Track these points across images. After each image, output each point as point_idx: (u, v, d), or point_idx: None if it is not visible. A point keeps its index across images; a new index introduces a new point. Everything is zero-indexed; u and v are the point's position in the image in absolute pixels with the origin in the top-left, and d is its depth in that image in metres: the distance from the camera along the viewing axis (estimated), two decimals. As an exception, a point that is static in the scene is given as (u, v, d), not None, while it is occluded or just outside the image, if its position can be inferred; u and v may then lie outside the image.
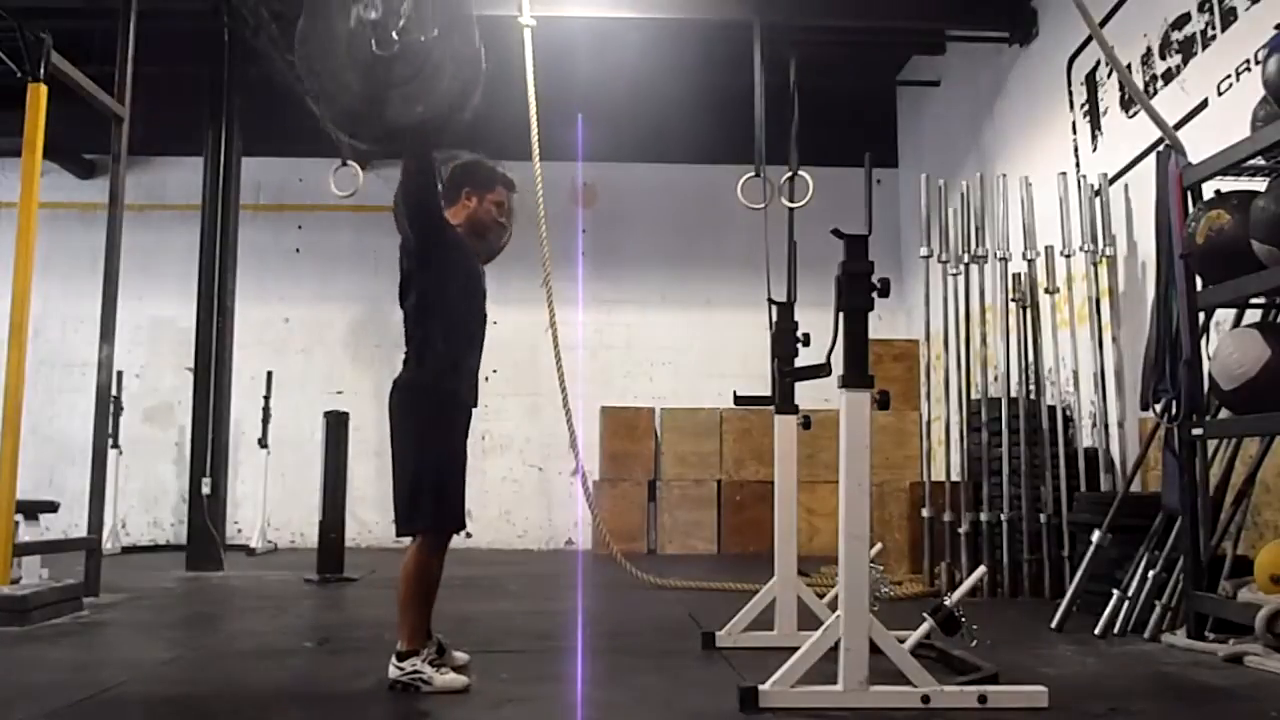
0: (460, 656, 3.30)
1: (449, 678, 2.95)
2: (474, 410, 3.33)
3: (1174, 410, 4.07)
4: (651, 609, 5.07)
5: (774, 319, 3.97)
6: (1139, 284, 5.43)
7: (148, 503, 9.06)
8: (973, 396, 5.87)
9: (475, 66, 3.03)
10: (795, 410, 3.91)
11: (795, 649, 2.88)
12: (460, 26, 3.02)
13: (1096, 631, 4.09)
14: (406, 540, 3.24)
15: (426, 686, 2.91)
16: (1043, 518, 5.37)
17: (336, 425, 6.25)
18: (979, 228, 5.88)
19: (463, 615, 3.23)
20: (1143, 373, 4.40)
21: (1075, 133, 6.26)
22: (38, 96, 4.64)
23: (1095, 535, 4.38)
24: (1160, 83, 5.30)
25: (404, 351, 3.30)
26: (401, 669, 2.96)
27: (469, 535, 8.24)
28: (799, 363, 3.83)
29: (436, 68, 2.97)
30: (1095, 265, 5.61)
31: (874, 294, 2.88)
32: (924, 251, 5.94)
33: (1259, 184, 3.91)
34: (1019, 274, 5.90)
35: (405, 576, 3.07)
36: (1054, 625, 4.27)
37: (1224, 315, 4.34)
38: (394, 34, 2.90)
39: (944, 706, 2.76)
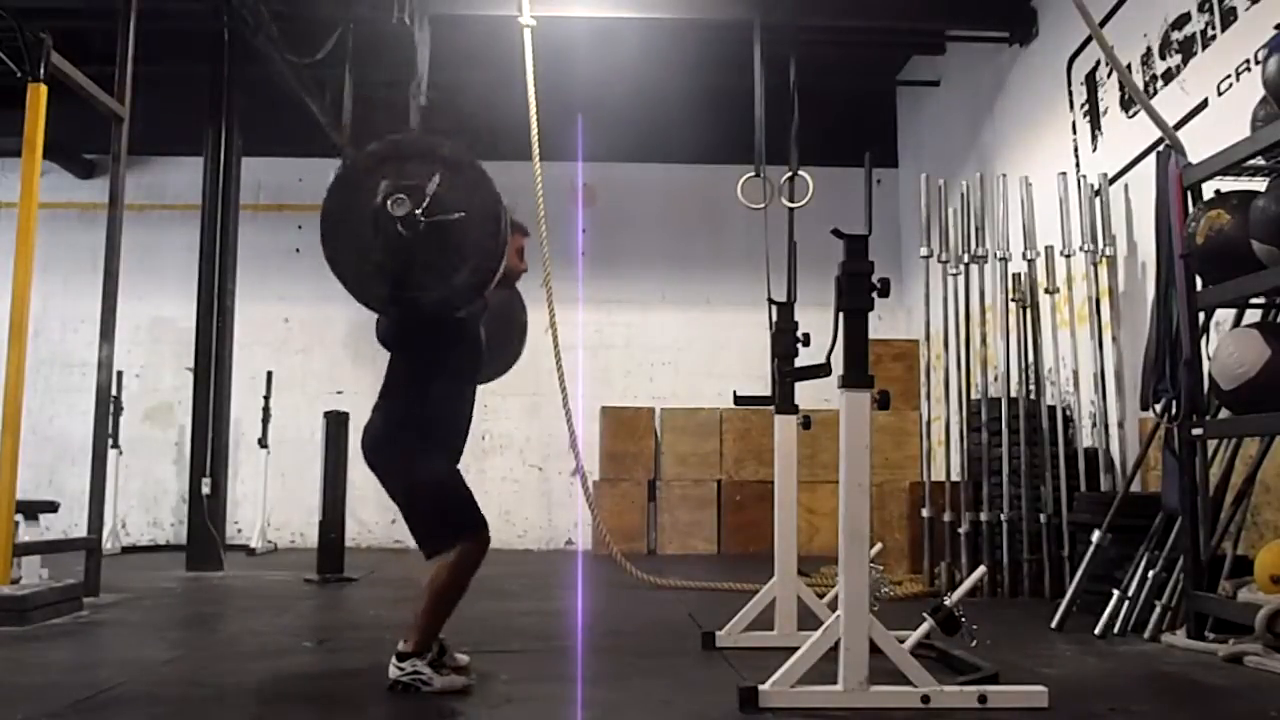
0: (461, 657, 3.31)
1: (450, 679, 2.95)
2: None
3: (1174, 410, 4.07)
4: (651, 609, 5.07)
5: (774, 319, 3.97)
6: (1139, 284, 5.43)
7: (148, 503, 9.06)
8: (973, 396, 5.87)
9: (495, 258, 3.06)
10: (795, 410, 3.91)
11: (795, 649, 2.88)
12: (484, 205, 3.04)
13: (1096, 631, 4.09)
14: (405, 541, 3.23)
15: (427, 687, 2.92)
16: (1043, 518, 5.37)
17: (336, 425, 6.25)
18: (979, 228, 5.88)
19: (463, 615, 3.23)
20: (1143, 373, 4.41)
21: (1075, 133, 6.26)
22: (38, 96, 4.64)
23: (1095, 535, 4.38)
24: (1160, 83, 5.30)
25: (397, 380, 3.25)
26: (402, 669, 2.96)
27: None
28: (799, 363, 3.83)
29: (459, 252, 2.99)
30: (1095, 265, 5.61)
31: (874, 294, 2.88)
32: (924, 251, 5.94)
33: (1259, 184, 3.91)
34: (1019, 274, 5.90)
35: (433, 588, 3.04)
36: (1054, 625, 4.28)
37: (1224, 315, 4.34)
38: (420, 217, 2.92)
39: (944, 706, 2.75)
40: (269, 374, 8.69)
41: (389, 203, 2.92)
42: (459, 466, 3.26)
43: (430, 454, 3.15)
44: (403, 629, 3.15)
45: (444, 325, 3.18)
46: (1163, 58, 5.29)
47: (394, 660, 3.00)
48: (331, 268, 3.03)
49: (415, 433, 3.16)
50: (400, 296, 3.02)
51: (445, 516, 3.11)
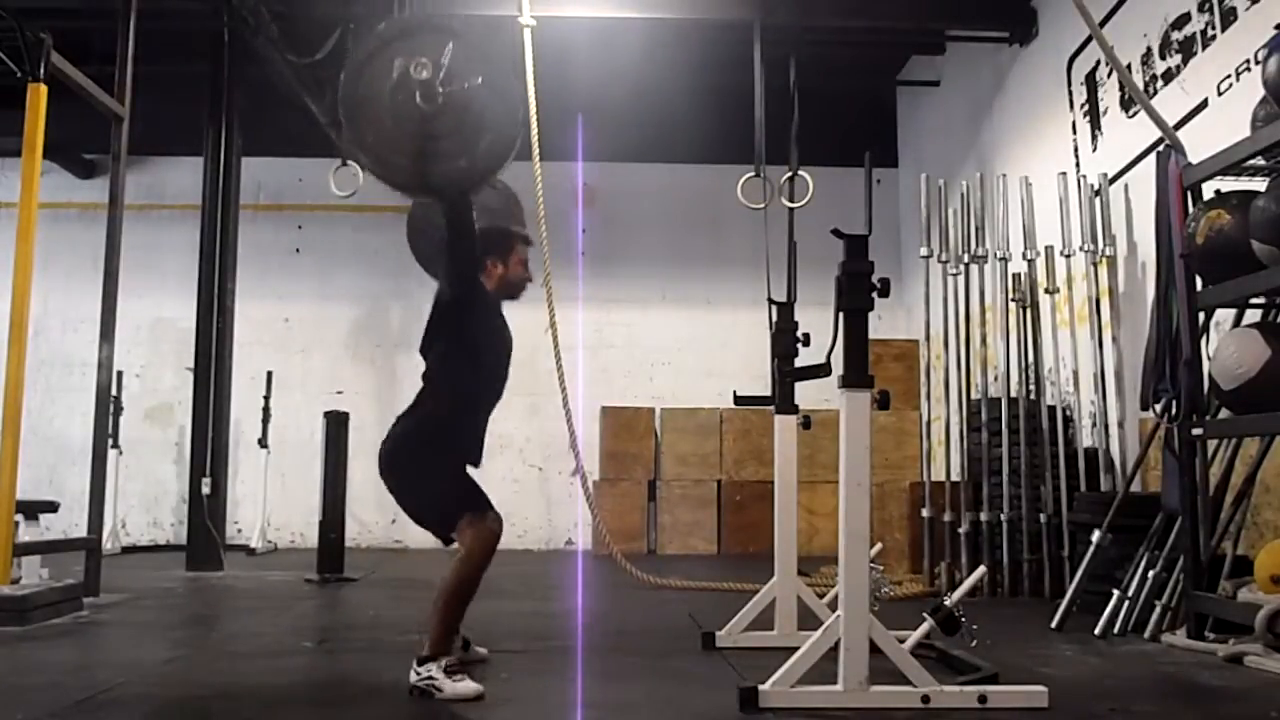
0: (480, 650, 3.46)
1: (461, 686, 2.95)
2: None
3: (1174, 410, 4.07)
4: (651, 609, 5.07)
5: (774, 319, 3.97)
6: (1139, 284, 5.43)
7: (148, 503, 9.05)
8: (973, 396, 5.87)
9: (514, 119, 3.05)
10: (795, 410, 3.91)
11: (795, 649, 2.88)
12: (500, 72, 3.03)
13: (1096, 631, 4.09)
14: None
15: (439, 694, 2.92)
16: (1043, 518, 5.37)
17: (336, 425, 6.25)
18: (979, 228, 5.88)
19: (465, 615, 3.24)
20: (1143, 373, 4.40)
21: (1075, 133, 6.26)
22: (38, 96, 4.64)
23: (1095, 535, 4.38)
24: (1160, 83, 5.30)
25: (415, 400, 3.32)
26: (419, 674, 2.97)
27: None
28: (799, 363, 3.83)
29: (479, 119, 2.98)
30: (1095, 265, 5.61)
31: (874, 294, 2.88)
32: (924, 251, 5.94)
33: (1259, 184, 3.91)
34: (1019, 274, 5.90)
35: (444, 588, 3.07)
36: (1054, 625, 4.28)
37: (1224, 315, 4.34)
38: (439, 87, 2.89)
39: (944, 706, 2.75)
40: (269, 374, 8.69)
41: (412, 67, 2.87)
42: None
43: (440, 462, 3.20)
44: (403, 629, 3.15)
45: (477, 299, 3.23)
46: (1163, 58, 5.29)
47: (414, 664, 3.00)
48: (355, 154, 3.04)
49: (429, 448, 3.20)
50: (426, 171, 2.99)
51: (452, 500, 3.16)
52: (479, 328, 3.30)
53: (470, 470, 3.32)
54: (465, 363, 3.27)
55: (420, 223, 3.90)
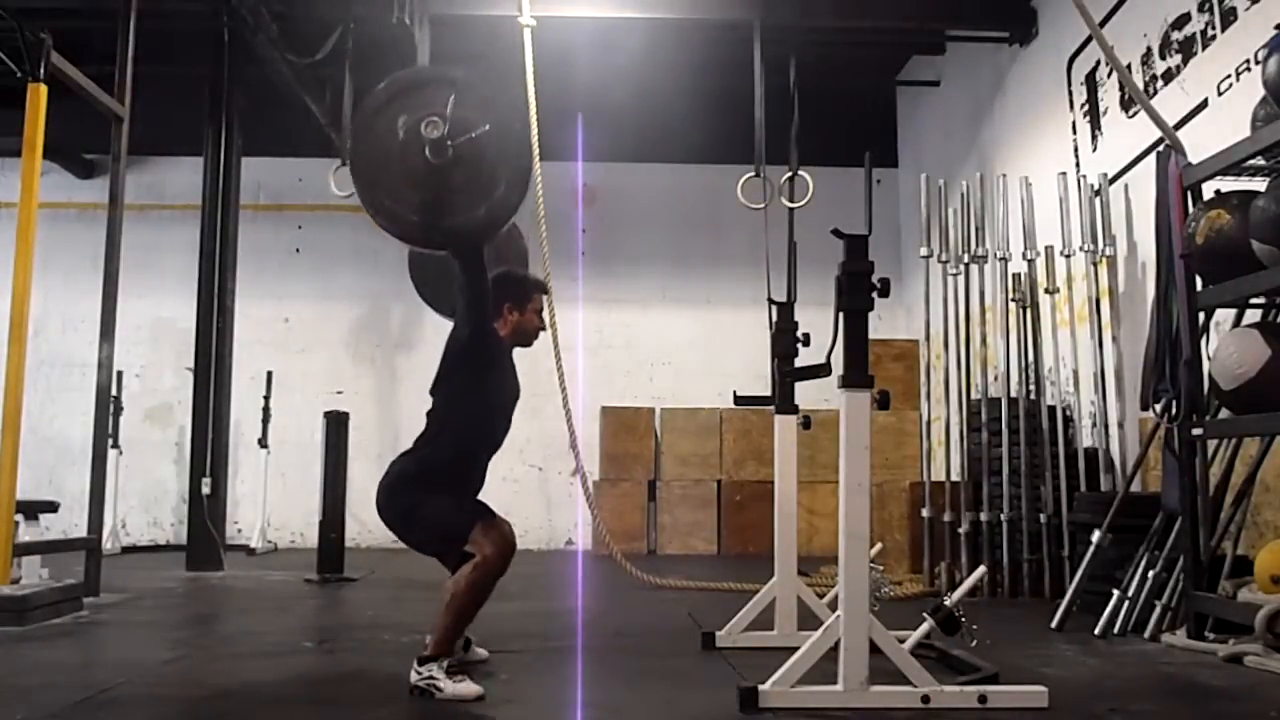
0: (480, 651, 3.47)
1: (461, 686, 2.95)
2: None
3: (1174, 410, 4.07)
4: (651, 609, 5.07)
5: (774, 319, 3.97)
6: (1139, 284, 5.43)
7: (148, 503, 9.05)
8: (973, 396, 5.87)
9: (525, 160, 3.06)
10: (795, 410, 3.91)
11: (795, 649, 2.88)
12: (506, 115, 3.03)
13: (1096, 631, 4.09)
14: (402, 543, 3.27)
15: (439, 694, 2.92)
16: (1043, 518, 5.37)
17: (336, 425, 6.25)
18: (979, 228, 5.88)
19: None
20: (1143, 373, 4.40)
21: (1075, 133, 6.26)
22: (38, 96, 4.64)
23: (1095, 535, 4.38)
24: (1160, 83, 5.30)
25: (417, 436, 3.35)
26: (419, 673, 2.97)
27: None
28: (799, 363, 3.83)
29: (492, 167, 2.98)
30: (1095, 265, 5.61)
31: (874, 294, 2.88)
32: (924, 251, 5.94)
33: (1259, 184, 3.91)
34: (1019, 274, 5.90)
35: (453, 594, 3.05)
36: (1054, 625, 4.27)
37: (1224, 315, 4.34)
38: (447, 141, 2.89)
39: (944, 706, 2.75)
40: (269, 374, 8.69)
41: (424, 125, 2.87)
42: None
43: (440, 493, 3.21)
44: (403, 629, 3.15)
45: (490, 346, 3.25)
46: (1163, 58, 5.29)
47: (415, 664, 3.00)
48: (373, 216, 3.01)
49: (428, 486, 3.21)
50: (443, 225, 2.99)
51: (460, 517, 3.15)
52: (489, 376, 3.31)
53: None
54: (471, 410, 3.28)
55: (422, 260, 3.91)
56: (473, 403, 3.27)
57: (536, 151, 5.43)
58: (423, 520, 3.20)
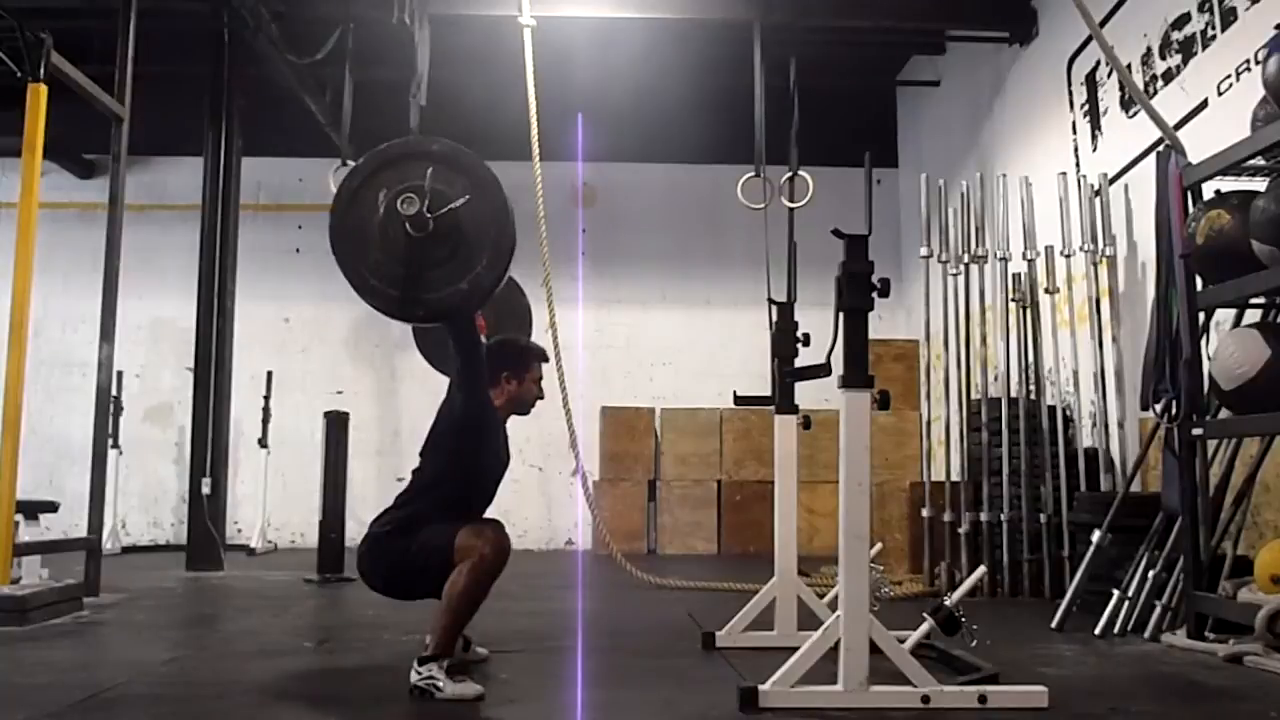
0: (481, 650, 3.48)
1: (461, 686, 2.95)
2: None
3: (1174, 410, 4.07)
4: (651, 609, 5.07)
5: (774, 319, 3.97)
6: (1139, 284, 5.43)
7: (148, 503, 9.06)
8: (973, 396, 5.87)
9: (506, 230, 3.04)
10: (795, 410, 3.91)
11: (795, 649, 2.88)
12: (485, 187, 3.03)
13: (1096, 631, 4.09)
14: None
15: (439, 694, 2.92)
16: (1043, 518, 5.37)
17: (336, 425, 6.25)
18: (979, 228, 5.88)
19: (463, 615, 3.27)
20: (1143, 373, 4.40)
21: (1075, 133, 6.26)
22: (38, 96, 4.64)
23: (1095, 535, 4.38)
24: (1160, 83, 5.30)
25: (396, 499, 3.34)
26: (420, 673, 2.97)
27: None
28: (799, 363, 3.83)
29: (474, 238, 2.99)
30: (1095, 265, 5.61)
31: (874, 294, 2.88)
32: (924, 251, 5.95)
33: (1259, 184, 3.91)
34: (1019, 274, 5.90)
35: (451, 593, 3.03)
36: (1054, 625, 4.28)
37: (1224, 315, 4.34)
38: (426, 214, 2.90)
39: (944, 706, 2.75)
40: (269, 374, 8.69)
41: (400, 202, 2.89)
42: None
43: (419, 533, 3.17)
44: (403, 629, 3.15)
45: (485, 418, 3.26)
46: (1163, 58, 5.29)
47: (415, 663, 3.00)
48: (357, 291, 3.05)
49: (407, 532, 3.19)
50: (425, 299, 3.00)
51: (442, 537, 3.12)
52: (480, 447, 3.30)
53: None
54: (456, 479, 3.26)
55: (428, 329, 3.93)
56: (459, 471, 3.26)
57: (537, 151, 5.44)
58: (412, 560, 3.14)
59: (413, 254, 2.97)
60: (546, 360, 3.55)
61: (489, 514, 3.34)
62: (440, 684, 2.93)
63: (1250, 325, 3.95)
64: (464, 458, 3.27)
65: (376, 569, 3.24)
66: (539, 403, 3.56)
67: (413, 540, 3.16)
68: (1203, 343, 4.13)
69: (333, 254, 3.06)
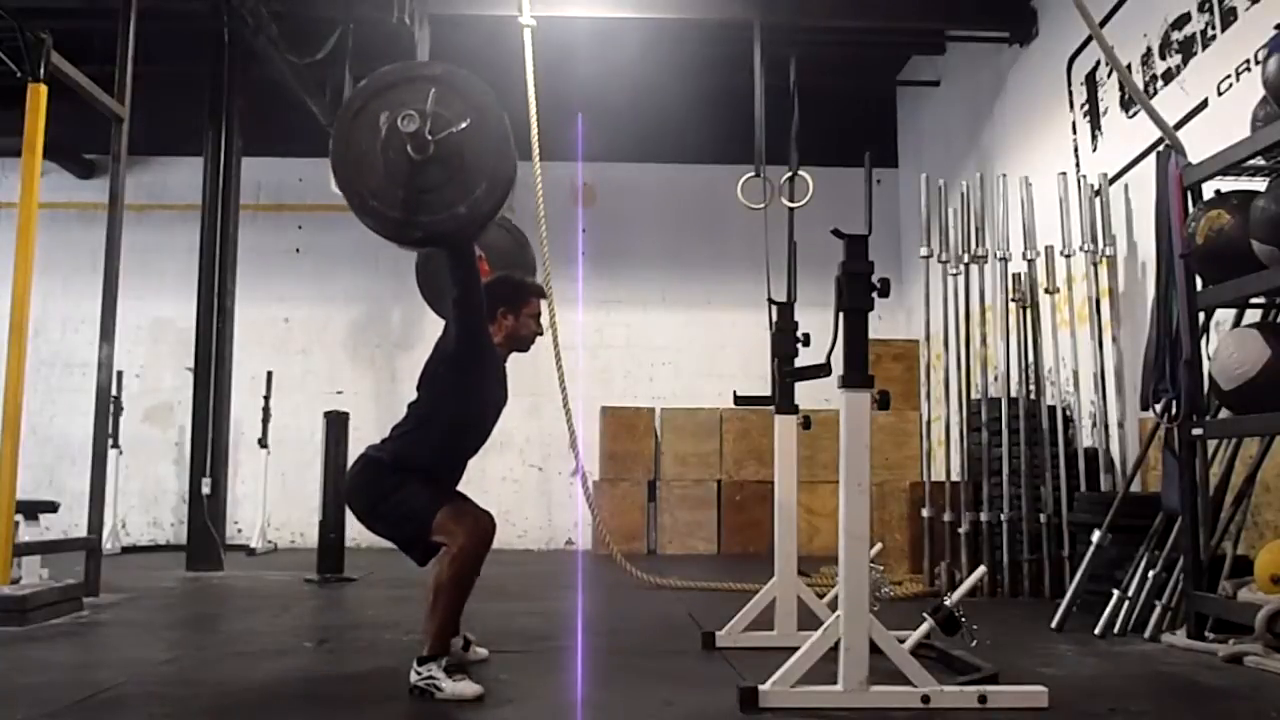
0: (480, 650, 3.46)
1: (461, 686, 2.95)
2: None
3: (1174, 410, 4.07)
4: (651, 609, 5.07)
5: (774, 319, 3.97)
6: (1139, 284, 5.43)
7: (148, 503, 9.05)
8: (973, 396, 5.87)
9: (507, 159, 3.03)
10: (795, 410, 3.91)
11: (795, 649, 2.88)
12: (486, 113, 3.02)
13: (1096, 631, 4.09)
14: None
15: (439, 693, 2.92)
16: (1043, 518, 5.37)
17: (336, 425, 6.25)
18: (979, 228, 5.88)
19: (464, 615, 3.25)
20: (1143, 373, 4.40)
21: (1075, 133, 6.26)
22: (38, 96, 4.64)
23: (1095, 535, 4.38)
24: (1160, 83, 5.30)
25: (394, 425, 3.32)
26: (419, 674, 2.97)
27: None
28: (799, 363, 3.83)
29: (473, 164, 2.97)
30: (1095, 265, 5.61)
31: (874, 294, 2.88)
32: (924, 251, 5.95)
33: (1259, 184, 3.91)
34: (1019, 274, 5.90)
35: (435, 584, 3.05)
36: (1054, 625, 4.27)
37: (1224, 315, 4.34)
38: (428, 135, 2.88)
39: (944, 706, 2.76)
40: (269, 374, 8.68)
41: (400, 120, 2.86)
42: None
43: (408, 484, 3.17)
44: (403, 629, 3.15)
45: (482, 351, 3.22)
46: (1163, 58, 5.29)
47: (414, 664, 3.00)
48: (357, 213, 3.01)
49: (397, 472, 3.18)
50: (423, 221, 2.98)
51: (426, 500, 3.12)
52: (476, 381, 3.26)
53: (470, 469, 3.33)
54: (453, 412, 3.24)
55: (429, 263, 3.91)
56: (455, 406, 3.24)
57: (537, 151, 5.45)
58: (392, 508, 3.15)
59: (412, 176, 2.95)
60: (544, 296, 3.52)
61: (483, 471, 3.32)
62: (440, 684, 2.94)
63: (1250, 325, 3.95)
64: (460, 392, 3.23)
65: (359, 496, 3.23)
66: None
67: (399, 487, 3.15)
68: (1203, 343, 4.13)
69: (333, 175, 3.04)
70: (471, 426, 3.33)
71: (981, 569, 3.71)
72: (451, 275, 3.10)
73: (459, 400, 3.24)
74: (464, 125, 2.94)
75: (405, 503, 3.14)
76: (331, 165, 3.03)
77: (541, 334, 3.50)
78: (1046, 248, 5.82)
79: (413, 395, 3.34)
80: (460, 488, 3.36)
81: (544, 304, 3.54)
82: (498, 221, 3.52)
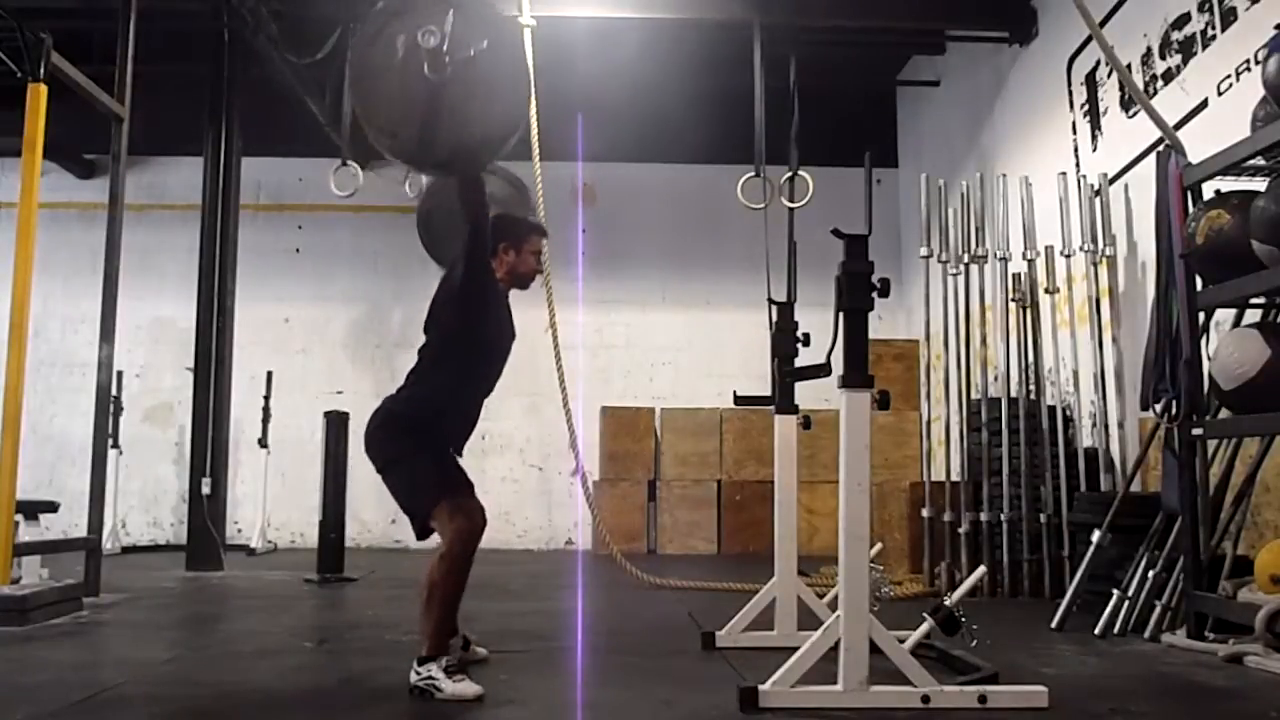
0: (480, 650, 3.46)
1: (461, 686, 2.95)
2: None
3: (1174, 410, 4.07)
4: (651, 609, 5.07)
5: (774, 319, 3.97)
6: (1139, 284, 5.43)
7: (148, 503, 9.05)
8: (973, 396, 5.87)
9: (522, 84, 3.06)
10: (795, 410, 3.91)
11: (795, 649, 2.88)
12: (505, 38, 3.04)
13: (1096, 631, 4.09)
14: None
15: (439, 694, 2.92)
16: (1043, 518, 5.37)
17: (336, 425, 6.25)
18: (979, 228, 5.88)
19: (464, 615, 3.25)
20: (1143, 373, 4.40)
21: (1075, 133, 6.26)
22: (38, 96, 4.64)
23: (1095, 535, 4.38)
24: (1160, 83, 5.30)
25: (409, 371, 3.35)
26: (419, 674, 2.98)
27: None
28: (799, 363, 3.83)
29: (488, 87, 2.98)
30: (1095, 265, 5.61)
31: (874, 294, 2.88)
32: (924, 251, 5.94)
33: (1259, 184, 3.91)
34: (1019, 274, 5.90)
35: (429, 583, 3.07)
36: (1054, 625, 4.28)
37: (1224, 315, 4.34)
38: (446, 56, 2.89)
39: (944, 706, 2.76)
40: (269, 374, 8.68)
41: (420, 35, 2.86)
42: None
43: (422, 445, 3.20)
44: (403, 629, 3.15)
45: (486, 284, 3.22)
46: (1163, 58, 5.29)
47: (414, 664, 3.00)
48: (368, 132, 3.02)
49: (413, 432, 3.20)
50: (438, 141, 2.99)
51: (431, 484, 3.15)
52: (483, 315, 3.27)
53: (469, 470, 3.33)
54: (465, 349, 3.25)
55: (431, 212, 3.92)
56: (466, 339, 3.25)
57: (537, 151, 5.45)
58: (400, 475, 3.20)
59: (428, 98, 2.95)
60: (545, 236, 3.53)
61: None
62: (440, 684, 2.94)
63: (1250, 325, 3.96)
64: (469, 325, 3.24)
65: (373, 450, 3.25)
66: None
67: (412, 453, 3.17)
68: (1203, 343, 4.13)
69: (351, 96, 3.05)
70: (483, 359, 3.33)
71: (981, 569, 3.72)
72: (461, 203, 3.12)
73: (469, 333, 3.25)
74: (482, 46, 2.95)
75: (412, 477, 3.18)
76: (349, 84, 3.04)
77: (541, 271, 3.53)
78: (1046, 248, 5.82)
79: None
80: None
81: (544, 243, 3.55)
82: (496, 171, 3.56)
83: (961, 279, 5.91)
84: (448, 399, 3.26)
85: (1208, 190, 4.11)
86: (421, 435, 3.21)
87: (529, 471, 9.16)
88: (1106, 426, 5.51)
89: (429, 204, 3.84)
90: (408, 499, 3.21)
